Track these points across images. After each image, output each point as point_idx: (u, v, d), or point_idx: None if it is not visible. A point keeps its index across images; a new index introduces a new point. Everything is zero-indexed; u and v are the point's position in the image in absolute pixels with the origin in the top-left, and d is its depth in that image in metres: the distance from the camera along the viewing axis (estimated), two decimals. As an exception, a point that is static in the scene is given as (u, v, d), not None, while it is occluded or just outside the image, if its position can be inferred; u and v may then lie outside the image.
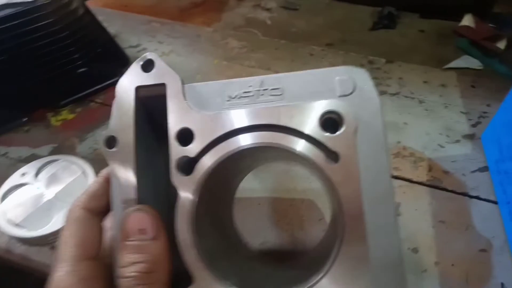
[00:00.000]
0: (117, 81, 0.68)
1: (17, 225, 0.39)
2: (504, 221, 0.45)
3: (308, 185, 0.49)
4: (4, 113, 0.57)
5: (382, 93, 0.60)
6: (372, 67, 0.62)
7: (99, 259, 0.23)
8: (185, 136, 0.24)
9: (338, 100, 0.22)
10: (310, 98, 0.23)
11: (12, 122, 0.58)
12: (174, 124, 0.24)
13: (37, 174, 0.43)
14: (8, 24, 0.51)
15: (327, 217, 0.45)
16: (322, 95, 0.23)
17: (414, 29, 0.86)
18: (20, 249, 0.44)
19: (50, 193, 0.41)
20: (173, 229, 0.23)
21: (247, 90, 0.24)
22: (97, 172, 0.43)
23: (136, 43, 0.72)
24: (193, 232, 0.23)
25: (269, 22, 0.80)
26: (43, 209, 0.40)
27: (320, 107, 0.22)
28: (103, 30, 0.63)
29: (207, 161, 0.23)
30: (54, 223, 0.39)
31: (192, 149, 0.23)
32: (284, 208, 0.46)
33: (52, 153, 0.54)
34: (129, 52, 0.69)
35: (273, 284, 0.26)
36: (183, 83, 0.25)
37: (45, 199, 0.41)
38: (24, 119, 0.59)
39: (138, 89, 0.25)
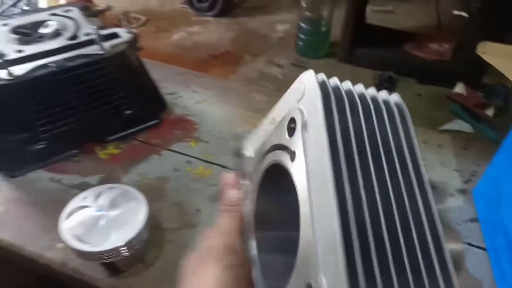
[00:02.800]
0: (157, 123, 0.78)
1: (81, 240, 0.46)
2: (492, 266, 0.52)
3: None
4: (59, 144, 0.66)
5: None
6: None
7: None
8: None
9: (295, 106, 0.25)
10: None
11: (65, 153, 0.67)
12: None
13: (96, 198, 0.50)
14: (78, 72, 0.61)
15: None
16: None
17: (412, 92, 0.97)
18: (74, 263, 0.50)
19: (109, 215, 0.48)
20: None
21: None
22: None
23: (172, 91, 0.82)
24: None
25: (280, 77, 0.91)
26: (103, 228, 0.47)
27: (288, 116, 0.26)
28: (149, 79, 0.73)
29: None
30: (112, 241, 0.46)
31: None
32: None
33: (101, 182, 0.62)
34: (166, 98, 0.79)
35: None
36: None
37: (105, 220, 0.48)
38: (75, 151, 0.67)
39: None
